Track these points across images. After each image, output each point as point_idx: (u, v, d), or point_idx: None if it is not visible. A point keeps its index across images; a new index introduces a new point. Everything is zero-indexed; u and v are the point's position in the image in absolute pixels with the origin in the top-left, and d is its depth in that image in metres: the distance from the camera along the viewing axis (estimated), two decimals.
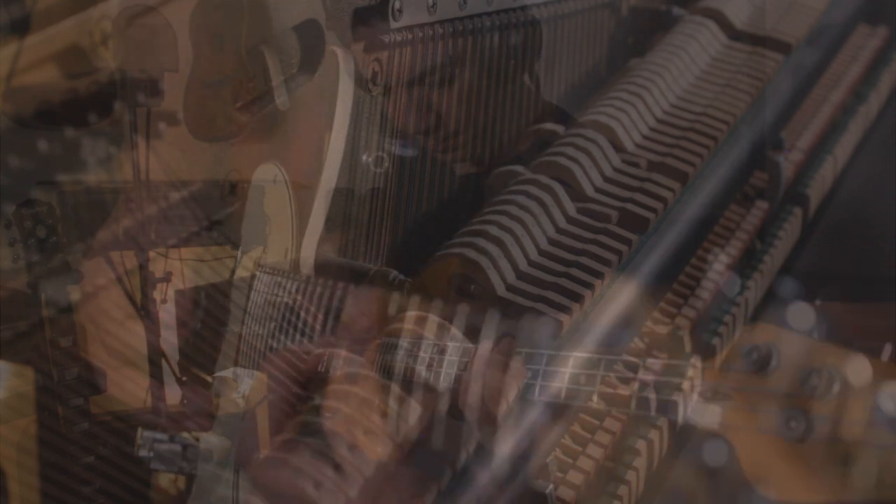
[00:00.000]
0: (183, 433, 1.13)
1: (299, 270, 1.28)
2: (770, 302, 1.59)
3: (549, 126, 1.58)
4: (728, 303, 1.51)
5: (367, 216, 1.38)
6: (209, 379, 1.20)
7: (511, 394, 1.12)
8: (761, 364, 0.96)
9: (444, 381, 1.14)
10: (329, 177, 1.31)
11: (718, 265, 1.53)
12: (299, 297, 1.22)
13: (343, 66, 1.30)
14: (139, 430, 1.11)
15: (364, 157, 1.35)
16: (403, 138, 1.42)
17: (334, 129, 1.31)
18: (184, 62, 1.12)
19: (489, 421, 1.12)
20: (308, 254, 1.30)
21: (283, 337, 1.22)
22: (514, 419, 1.18)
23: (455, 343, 1.16)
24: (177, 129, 1.13)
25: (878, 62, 2.02)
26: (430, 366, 1.15)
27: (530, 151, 1.55)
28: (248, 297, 1.22)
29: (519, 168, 1.49)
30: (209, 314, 1.21)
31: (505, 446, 1.17)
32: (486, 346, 1.14)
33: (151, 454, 1.12)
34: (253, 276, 1.22)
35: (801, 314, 1.12)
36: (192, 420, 1.16)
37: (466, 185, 1.54)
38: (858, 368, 0.93)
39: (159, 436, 1.11)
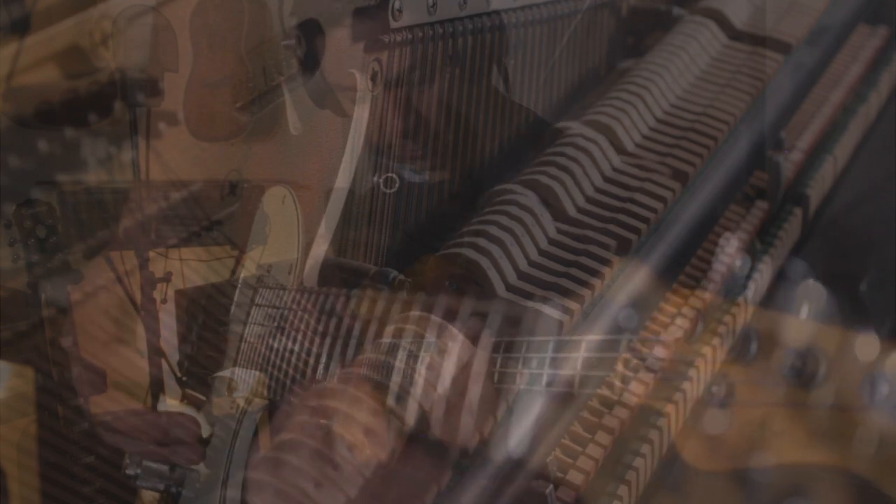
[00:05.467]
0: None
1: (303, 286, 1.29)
2: (770, 302, 1.59)
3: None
4: (728, 303, 1.51)
5: (367, 217, 1.38)
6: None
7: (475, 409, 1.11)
8: (808, 376, 0.95)
9: (443, 383, 1.14)
10: (339, 197, 1.32)
11: (719, 264, 1.53)
12: (301, 315, 1.22)
13: (361, 90, 1.31)
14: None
15: (375, 179, 1.37)
16: (403, 138, 1.42)
17: (346, 152, 1.32)
18: (184, 62, 1.12)
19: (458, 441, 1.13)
20: (312, 274, 1.30)
21: (283, 348, 1.22)
22: (513, 420, 1.18)
23: (453, 344, 1.16)
24: (177, 129, 1.13)
25: (878, 62, 2.02)
26: (429, 366, 1.15)
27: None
28: (248, 312, 1.22)
29: None
30: (209, 315, 1.21)
31: (505, 446, 1.17)
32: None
33: (139, 472, 1.13)
34: (255, 291, 1.23)
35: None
36: (180, 451, 1.16)
37: (467, 183, 1.54)
38: (776, 328, 0.93)
39: None
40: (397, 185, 1.38)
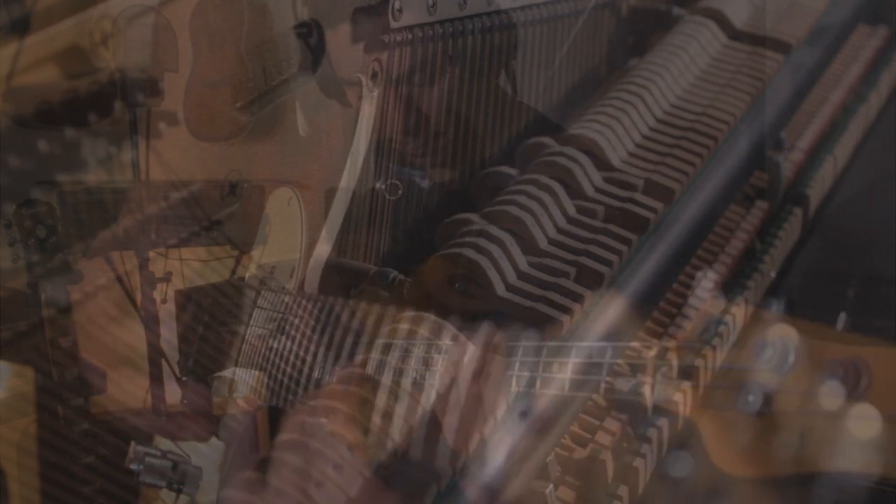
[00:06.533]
0: (174, 451, 1.14)
1: (303, 290, 1.29)
2: (770, 302, 1.59)
3: (503, 170, 1.53)
4: (728, 303, 1.51)
5: (368, 217, 1.38)
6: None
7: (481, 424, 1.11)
8: (778, 362, 0.95)
9: (443, 383, 1.14)
10: (342, 198, 1.32)
11: (719, 265, 1.53)
12: (302, 315, 1.22)
13: (366, 93, 1.31)
14: (131, 443, 1.12)
15: (378, 185, 1.37)
16: (403, 138, 1.42)
17: (349, 153, 1.32)
18: (184, 62, 1.12)
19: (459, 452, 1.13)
20: (314, 274, 1.31)
21: (284, 348, 1.22)
22: (511, 423, 1.18)
23: (450, 345, 1.16)
24: (177, 129, 1.13)
25: (878, 62, 2.02)
26: (428, 367, 1.15)
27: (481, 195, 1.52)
28: (250, 313, 1.23)
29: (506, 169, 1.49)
30: (210, 315, 1.21)
31: (505, 447, 1.17)
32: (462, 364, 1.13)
33: (141, 467, 1.13)
34: (257, 292, 1.23)
35: None
36: (192, 425, 1.16)
37: (468, 183, 1.54)
38: (812, 340, 0.93)
39: (151, 450, 1.12)
40: (400, 191, 1.39)
